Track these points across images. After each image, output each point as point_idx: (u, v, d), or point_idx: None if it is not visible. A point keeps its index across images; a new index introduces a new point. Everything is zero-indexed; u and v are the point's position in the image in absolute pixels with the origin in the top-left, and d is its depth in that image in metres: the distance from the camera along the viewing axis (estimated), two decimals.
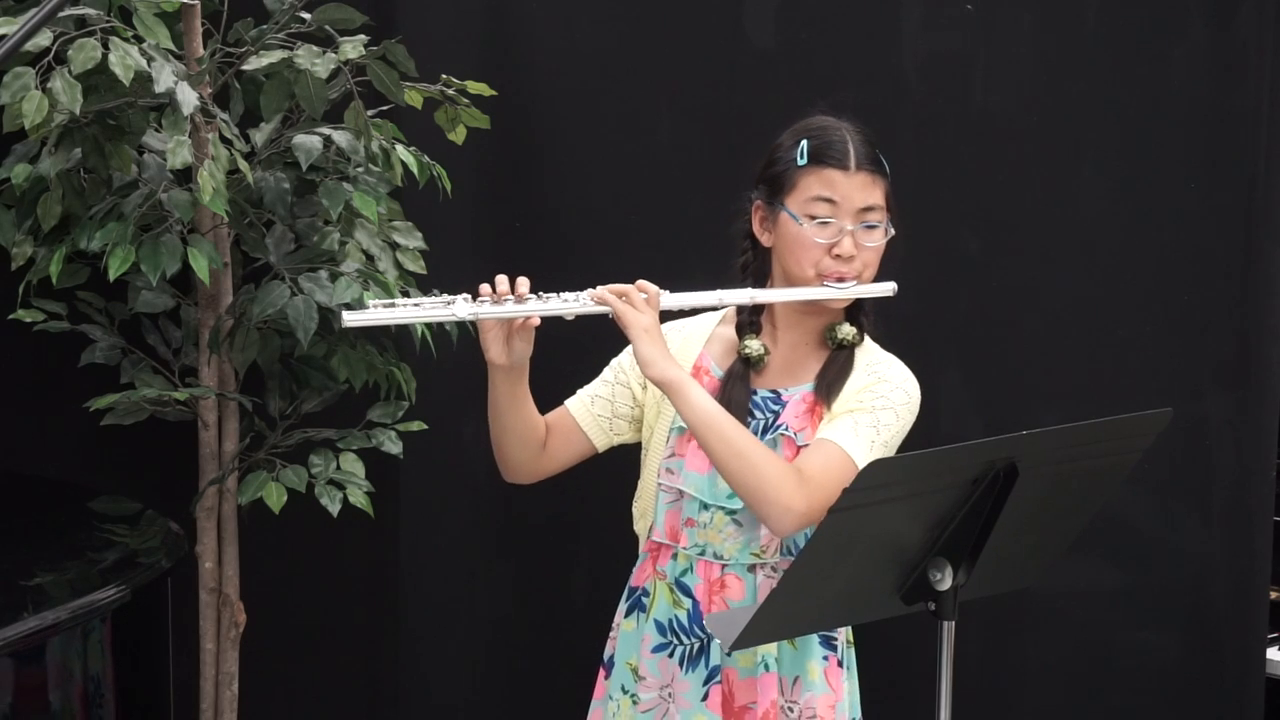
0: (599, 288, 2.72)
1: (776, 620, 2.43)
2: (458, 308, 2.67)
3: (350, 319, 2.66)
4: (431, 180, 3.45)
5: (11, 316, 3.44)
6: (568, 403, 2.90)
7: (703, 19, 3.78)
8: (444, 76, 3.39)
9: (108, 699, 2.74)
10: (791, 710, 2.81)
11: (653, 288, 2.73)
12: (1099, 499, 2.56)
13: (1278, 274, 3.79)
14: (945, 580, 2.40)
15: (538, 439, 2.84)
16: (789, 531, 2.69)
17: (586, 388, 2.91)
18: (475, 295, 2.69)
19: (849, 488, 2.25)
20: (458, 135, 3.46)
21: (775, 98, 3.71)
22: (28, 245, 3.40)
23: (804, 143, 2.76)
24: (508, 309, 2.67)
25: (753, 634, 2.45)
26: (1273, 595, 3.91)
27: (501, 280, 2.70)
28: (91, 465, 3.77)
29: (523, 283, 2.70)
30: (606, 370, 2.92)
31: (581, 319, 2.73)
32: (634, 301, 2.71)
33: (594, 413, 2.88)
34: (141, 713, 2.90)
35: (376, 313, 2.67)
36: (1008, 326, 3.82)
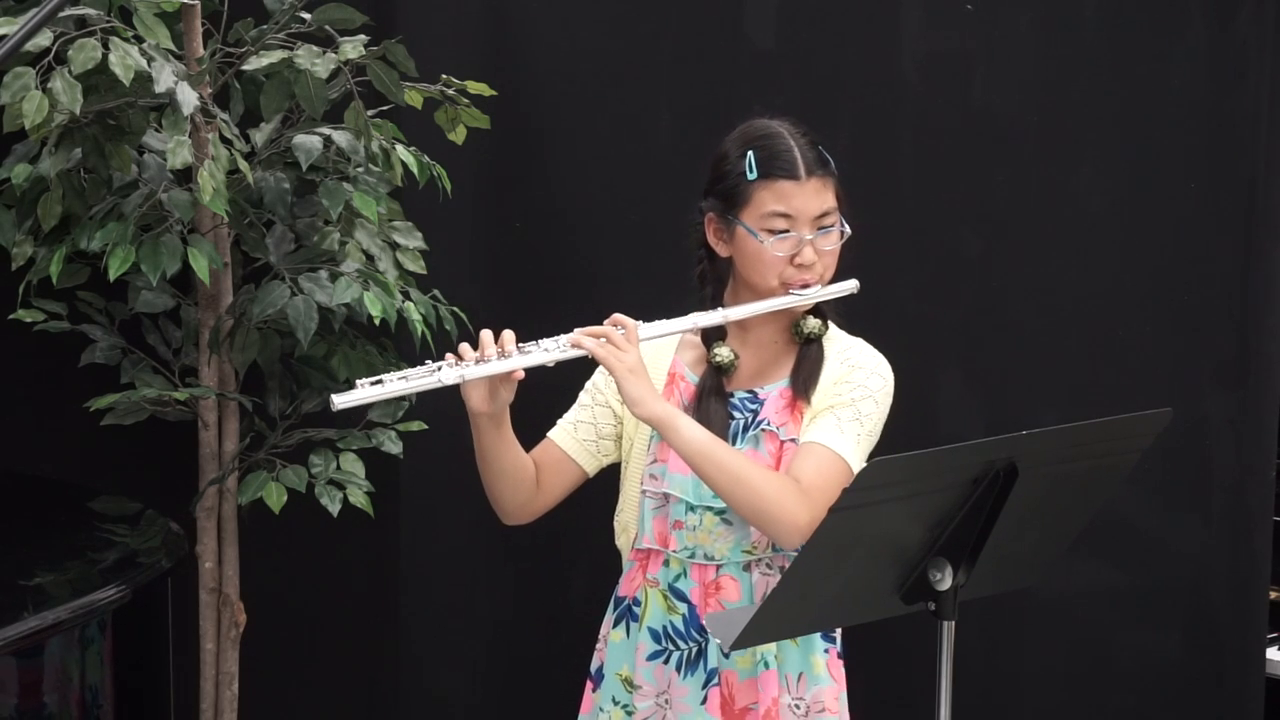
0: (577, 331, 2.70)
1: (776, 620, 2.43)
2: (444, 374, 2.66)
3: (340, 401, 2.66)
4: (431, 180, 3.45)
5: (11, 316, 3.44)
6: (551, 435, 2.89)
7: (703, 19, 3.78)
8: (444, 76, 3.40)
9: (108, 699, 2.74)
10: (799, 707, 2.81)
11: (630, 322, 2.73)
12: (1099, 499, 2.56)
13: (1278, 274, 3.79)
14: (945, 580, 2.40)
15: (529, 478, 2.84)
16: (797, 544, 2.69)
17: (566, 416, 2.90)
18: (458, 356, 2.68)
19: (849, 488, 2.26)
20: (458, 135, 3.46)
21: (775, 98, 3.71)
22: (28, 245, 3.40)
23: (750, 155, 2.75)
24: (492, 366, 2.67)
25: (752, 634, 2.45)
26: (1273, 595, 3.91)
27: (486, 338, 2.69)
28: (91, 465, 3.77)
29: (508, 337, 2.69)
30: (583, 394, 2.91)
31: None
32: (614, 341, 2.70)
33: (579, 439, 2.87)
34: (141, 713, 2.90)
35: (365, 391, 2.66)
36: (1008, 326, 3.82)
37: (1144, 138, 3.77)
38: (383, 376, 2.67)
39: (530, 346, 2.70)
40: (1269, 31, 3.72)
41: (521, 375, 2.68)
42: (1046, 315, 3.81)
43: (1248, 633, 3.87)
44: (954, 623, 2.43)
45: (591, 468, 2.89)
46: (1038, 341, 3.81)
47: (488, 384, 2.69)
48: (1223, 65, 3.73)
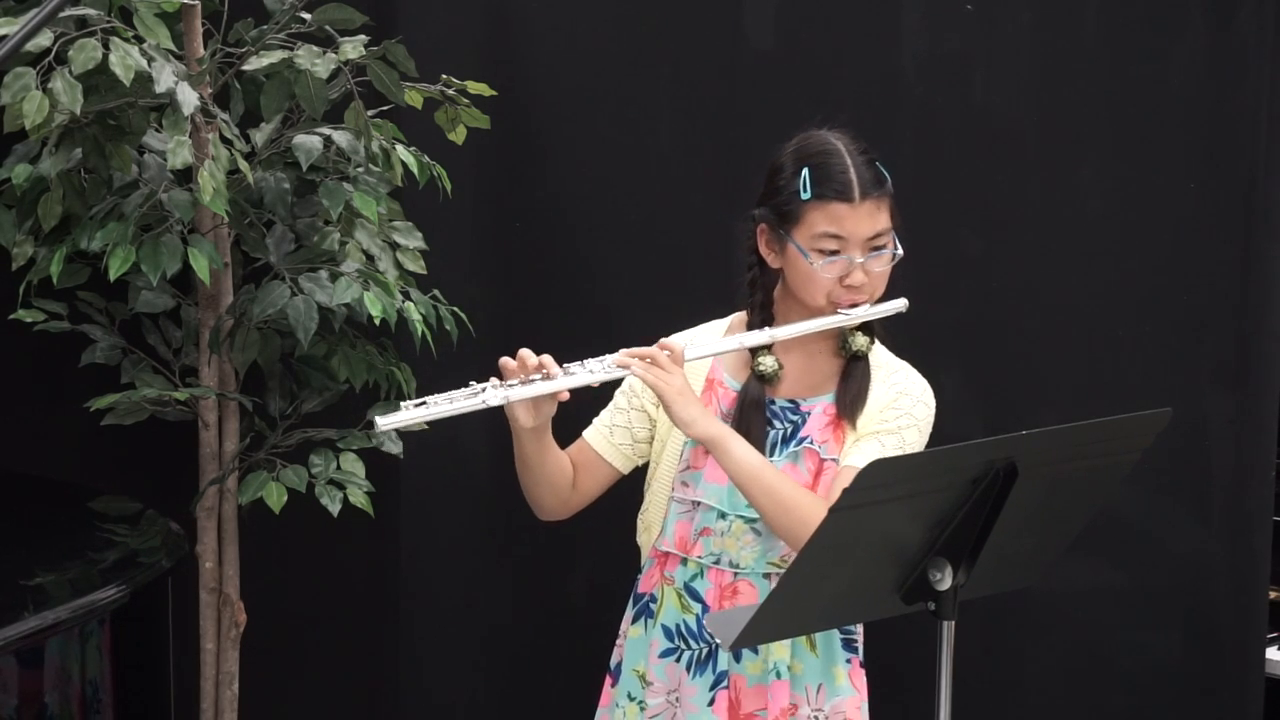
0: (622, 353, 2.73)
1: (776, 620, 2.43)
2: (488, 395, 2.67)
3: (383, 423, 2.68)
4: (431, 180, 3.45)
5: (12, 316, 3.44)
6: (587, 436, 2.90)
7: (703, 19, 3.78)
8: (444, 76, 3.39)
9: (108, 699, 2.74)
10: (818, 718, 2.81)
11: (677, 344, 2.74)
12: (1099, 499, 2.56)
13: (1278, 274, 3.79)
14: (945, 580, 2.40)
15: (567, 480, 2.86)
16: None
17: (602, 417, 2.91)
18: (500, 376, 2.69)
19: (848, 488, 2.26)
20: (458, 135, 3.46)
21: (775, 98, 3.71)
22: (28, 245, 3.40)
23: (805, 173, 2.74)
24: (537, 387, 2.68)
25: (752, 633, 2.45)
26: (1273, 595, 3.91)
27: (527, 355, 2.69)
28: (91, 465, 3.77)
29: (547, 359, 2.70)
30: (619, 396, 2.91)
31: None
32: (660, 363, 2.71)
33: (614, 442, 2.89)
34: (141, 713, 2.89)
35: (409, 413, 2.68)
36: (1008, 326, 3.81)
37: (1144, 138, 3.77)
38: (426, 399, 2.69)
39: (574, 367, 2.71)
40: (1269, 31, 3.72)
41: (566, 397, 2.69)
42: (1046, 315, 3.81)
43: (1248, 633, 3.86)
44: (954, 623, 2.43)
45: (626, 468, 2.91)
46: (1038, 341, 3.81)
47: (532, 401, 2.70)
48: (1223, 65, 3.73)
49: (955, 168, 3.78)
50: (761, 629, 2.45)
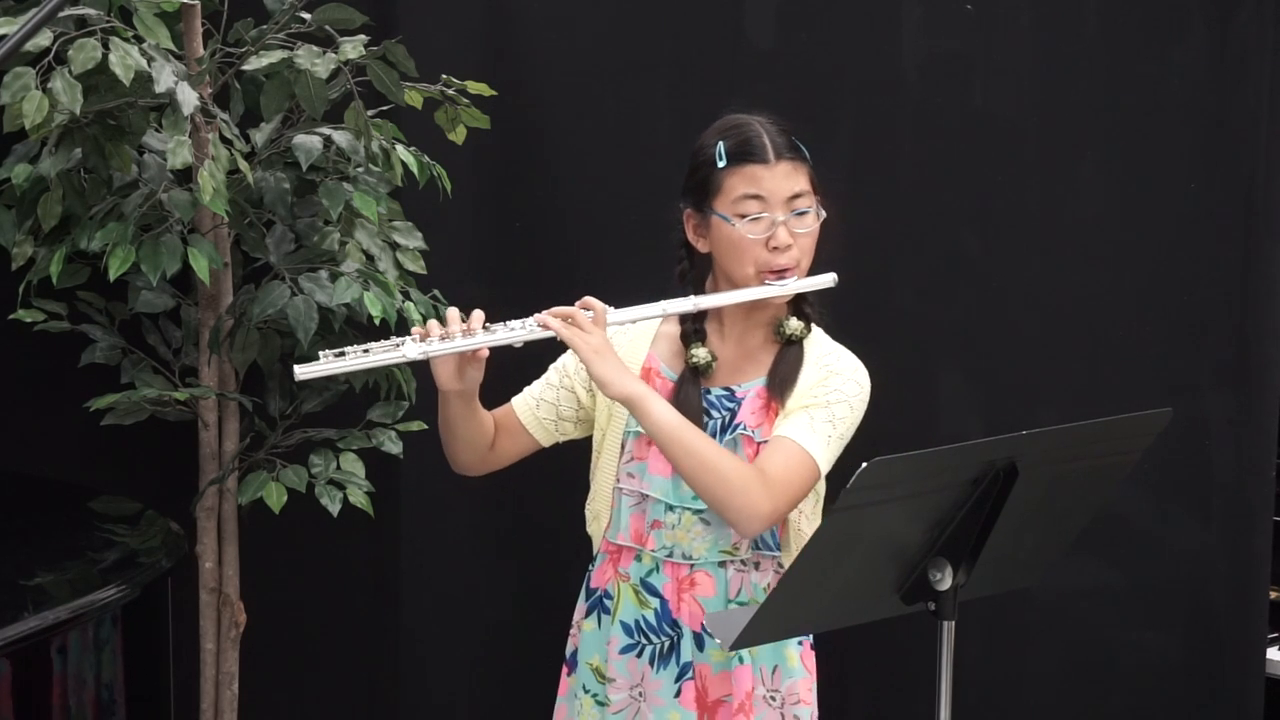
0: (544, 312, 2.73)
1: (777, 620, 2.44)
2: (407, 348, 2.69)
3: (301, 372, 2.69)
4: (431, 180, 3.45)
5: (12, 316, 3.44)
6: (514, 403, 2.92)
7: (703, 19, 3.78)
8: (444, 76, 3.40)
9: (107, 699, 2.74)
10: (774, 699, 2.84)
11: (598, 305, 2.74)
12: (1099, 499, 2.56)
13: (1278, 274, 3.79)
14: (945, 580, 2.40)
15: (486, 442, 2.87)
16: (755, 533, 2.73)
17: (532, 387, 2.93)
18: (424, 331, 2.70)
19: (849, 487, 2.26)
20: (458, 135, 3.46)
21: (775, 98, 3.71)
22: (28, 245, 3.40)
23: (720, 144, 2.78)
24: (457, 344, 2.69)
25: (753, 634, 2.45)
26: (1273, 595, 3.91)
27: (452, 315, 2.70)
28: (91, 465, 3.76)
29: (477, 316, 2.71)
30: (550, 371, 2.93)
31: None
32: (580, 323, 2.71)
33: (539, 416, 2.90)
34: (141, 713, 2.89)
35: (327, 364, 2.69)
36: (1008, 326, 3.82)
37: (1144, 138, 3.77)
38: (345, 349, 2.69)
39: (497, 326, 2.72)
40: (1269, 31, 3.72)
41: (486, 354, 2.70)
42: (1046, 315, 3.81)
43: (1248, 633, 3.87)
44: (954, 623, 2.44)
45: (546, 441, 2.93)
46: (1038, 341, 3.81)
47: (456, 361, 2.71)
48: (1223, 65, 3.73)
49: (955, 168, 3.78)
50: (761, 629, 2.45)
